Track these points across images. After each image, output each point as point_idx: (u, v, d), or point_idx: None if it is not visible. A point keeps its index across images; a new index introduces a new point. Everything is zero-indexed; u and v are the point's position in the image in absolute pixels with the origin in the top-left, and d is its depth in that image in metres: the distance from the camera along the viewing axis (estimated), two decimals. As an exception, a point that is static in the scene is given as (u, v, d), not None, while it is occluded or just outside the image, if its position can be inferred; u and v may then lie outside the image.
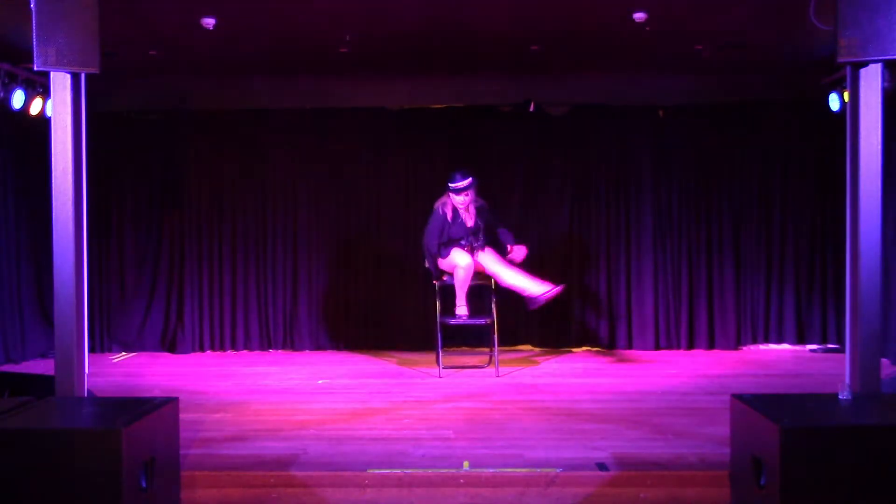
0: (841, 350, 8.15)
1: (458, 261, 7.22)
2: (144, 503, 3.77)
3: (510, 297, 8.62)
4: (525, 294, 7.24)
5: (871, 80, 4.51)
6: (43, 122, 7.23)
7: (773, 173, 8.79)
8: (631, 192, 8.87)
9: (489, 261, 7.30)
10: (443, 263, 7.37)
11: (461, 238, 7.29)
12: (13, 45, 6.78)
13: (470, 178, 7.23)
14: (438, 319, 7.44)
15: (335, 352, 8.81)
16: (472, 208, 7.33)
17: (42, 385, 5.09)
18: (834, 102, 7.90)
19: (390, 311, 8.94)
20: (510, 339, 8.71)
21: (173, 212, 8.90)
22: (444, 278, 7.46)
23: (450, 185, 7.25)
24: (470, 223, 7.33)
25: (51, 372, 4.65)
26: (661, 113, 8.78)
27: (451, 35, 7.04)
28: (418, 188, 8.77)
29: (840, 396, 4.16)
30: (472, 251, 7.26)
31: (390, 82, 8.67)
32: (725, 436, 4.44)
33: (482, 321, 7.49)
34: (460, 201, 7.22)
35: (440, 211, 7.31)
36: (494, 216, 7.62)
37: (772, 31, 6.95)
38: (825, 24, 4.81)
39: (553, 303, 8.67)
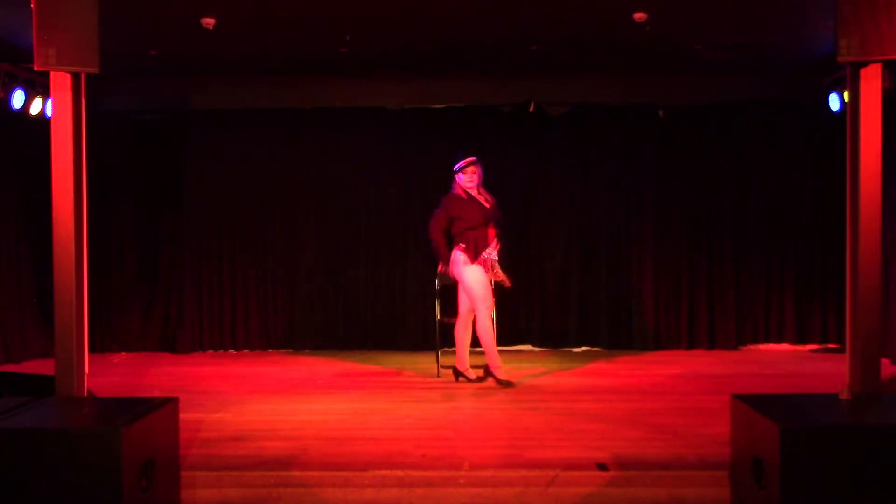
0: (841, 350, 8.14)
1: (459, 334, 6.95)
2: (144, 503, 3.77)
3: (511, 298, 8.67)
4: (492, 365, 6.89)
5: (871, 80, 4.51)
6: (43, 122, 7.22)
7: (773, 173, 8.78)
8: (631, 192, 8.87)
9: (487, 329, 6.90)
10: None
11: (479, 222, 6.77)
12: (13, 45, 6.78)
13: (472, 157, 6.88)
14: (438, 319, 7.43)
15: (335, 352, 8.80)
16: (483, 191, 6.92)
17: (42, 385, 5.09)
18: (834, 102, 7.90)
19: (390, 310, 8.94)
20: (510, 339, 8.71)
21: (173, 212, 8.90)
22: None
23: (454, 169, 6.88)
24: (487, 205, 6.87)
25: (51, 372, 4.64)
26: (661, 113, 8.76)
27: (451, 35, 7.04)
28: (418, 188, 8.76)
29: (840, 396, 4.16)
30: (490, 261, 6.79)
31: (390, 82, 8.67)
32: (725, 436, 4.44)
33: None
34: (466, 180, 6.87)
35: (451, 193, 6.90)
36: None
37: (772, 31, 6.95)
38: (825, 24, 4.81)
39: (553, 303, 8.90)
